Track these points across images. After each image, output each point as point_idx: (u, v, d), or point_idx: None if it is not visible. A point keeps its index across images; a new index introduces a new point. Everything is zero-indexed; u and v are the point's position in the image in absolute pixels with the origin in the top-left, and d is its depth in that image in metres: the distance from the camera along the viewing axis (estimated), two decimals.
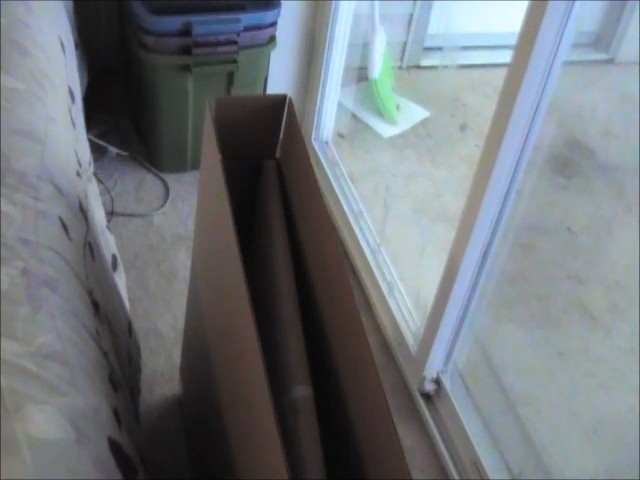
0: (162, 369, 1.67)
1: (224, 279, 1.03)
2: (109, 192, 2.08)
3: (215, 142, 1.04)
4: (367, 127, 2.52)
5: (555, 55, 1.17)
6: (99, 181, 2.04)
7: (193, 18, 1.87)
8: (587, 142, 2.53)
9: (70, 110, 1.31)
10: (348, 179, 2.15)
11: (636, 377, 1.71)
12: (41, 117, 1.10)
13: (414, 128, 2.55)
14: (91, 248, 1.11)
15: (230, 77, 2.02)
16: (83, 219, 1.11)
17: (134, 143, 2.24)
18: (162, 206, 2.09)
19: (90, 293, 0.99)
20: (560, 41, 1.15)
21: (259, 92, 2.14)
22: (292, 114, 1.15)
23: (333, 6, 2.03)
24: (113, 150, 2.18)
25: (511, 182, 1.32)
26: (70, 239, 0.98)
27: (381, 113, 2.54)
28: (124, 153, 2.19)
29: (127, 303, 1.45)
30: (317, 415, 0.91)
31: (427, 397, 1.66)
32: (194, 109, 2.04)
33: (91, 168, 1.60)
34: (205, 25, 1.88)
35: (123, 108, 2.33)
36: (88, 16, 2.10)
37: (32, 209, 0.93)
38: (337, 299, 0.96)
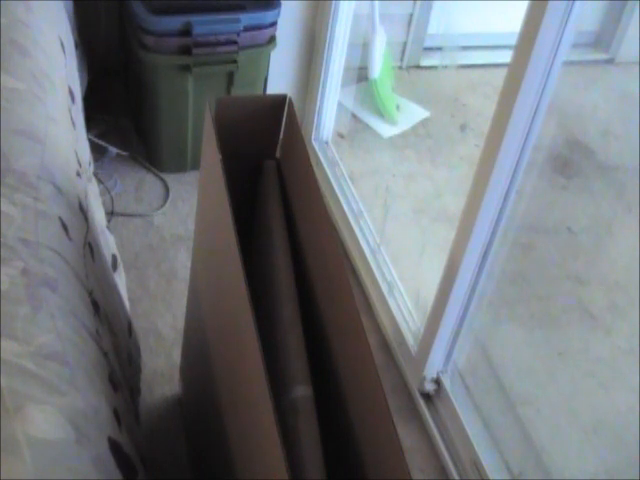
0: (162, 369, 1.67)
1: (224, 279, 1.03)
2: (109, 192, 2.08)
3: (215, 142, 1.04)
4: (367, 127, 2.52)
5: (555, 55, 1.17)
6: (99, 181, 2.04)
7: (193, 18, 1.87)
8: (587, 142, 2.53)
9: (70, 110, 1.31)
10: (348, 179, 2.15)
11: (636, 377, 1.71)
12: (41, 117, 1.10)
13: (414, 128, 2.55)
14: (91, 248, 1.11)
15: (230, 77, 2.02)
16: (83, 219, 1.11)
17: (134, 143, 2.24)
18: (162, 206, 2.09)
19: (90, 293, 0.99)
20: (560, 41, 1.15)
21: (259, 92, 2.14)
22: (292, 114, 1.15)
23: (333, 6, 2.03)
24: (113, 150, 2.18)
25: (511, 182, 1.32)
26: (70, 239, 0.98)
27: (381, 113, 2.54)
28: (124, 153, 2.19)
29: (127, 303, 1.45)
30: (317, 415, 0.91)
31: (427, 397, 1.66)
32: (194, 109, 2.04)
33: (91, 168, 1.60)
34: (205, 25, 1.88)
35: (123, 108, 2.33)
36: (88, 16, 2.10)
37: (32, 209, 0.93)
38: (337, 299, 0.96)
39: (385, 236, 1.99)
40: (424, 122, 2.57)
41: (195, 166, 2.17)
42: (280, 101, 1.16)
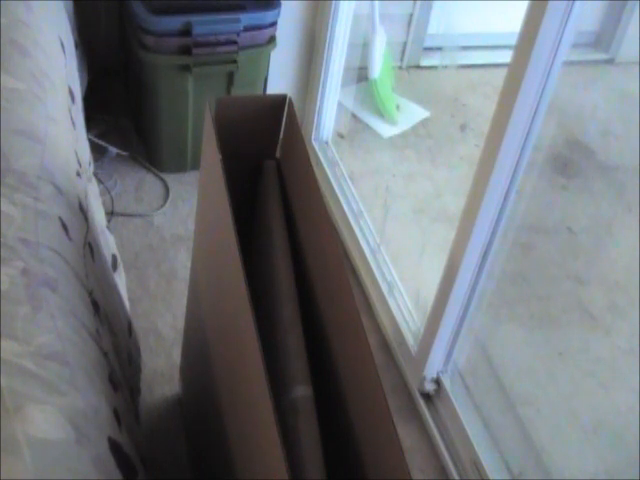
0: (162, 369, 1.67)
1: (224, 279, 1.03)
2: (109, 192, 2.08)
3: (215, 142, 1.04)
4: (367, 127, 2.52)
5: (555, 55, 1.17)
6: (99, 181, 2.04)
7: (193, 18, 1.87)
8: (587, 142, 2.53)
9: (70, 110, 1.31)
10: (348, 179, 2.15)
11: (636, 377, 1.71)
12: (41, 117, 1.10)
13: (414, 128, 2.55)
14: (91, 248, 1.11)
15: (230, 77, 2.02)
16: (83, 219, 1.11)
17: (134, 143, 2.24)
18: (162, 206, 2.09)
19: (90, 293, 0.99)
20: (560, 41, 1.15)
21: (259, 92, 2.14)
22: (292, 114, 1.15)
23: (333, 6, 2.03)
24: (113, 150, 2.18)
25: (511, 182, 1.32)
26: (70, 239, 0.98)
27: (381, 113, 2.54)
28: (124, 153, 2.19)
29: (127, 303, 1.45)
30: (317, 415, 0.91)
31: (427, 397, 1.66)
32: (194, 109, 2.04)
33: (91, 168, 1.60)
34: (205, 25, 1.88)
35: (123, 108, 2.33)
36: (88, 16, 2.10)
37: (32, 209, 0.93)
38: (337, 299, 0.96)
39: (385, 236, 1.99)
40: (424, 122, 2.57)
41: (195, 166, 2.17)
42: (280, 101, 1.16)
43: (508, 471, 1.52)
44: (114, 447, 0.79)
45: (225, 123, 1.14)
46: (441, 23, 2.75)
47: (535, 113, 1.23)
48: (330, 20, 2.05)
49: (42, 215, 0.94)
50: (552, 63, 1.18)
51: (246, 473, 0.94)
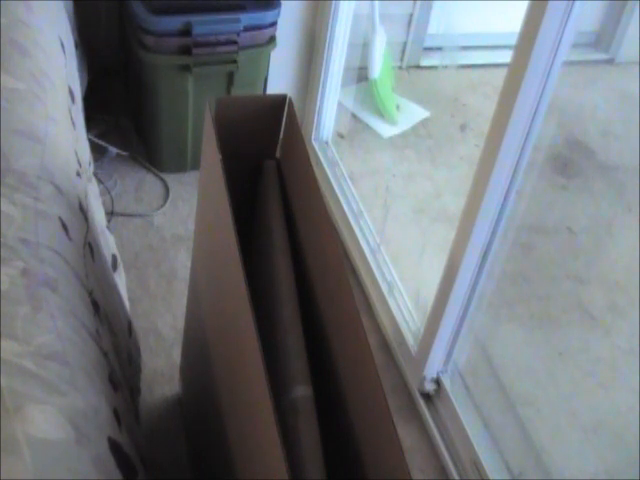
0: (162, 369, 1.67)
1: (224, 279, 1.03)
2: (109, 192, 2.08)
3: (215, 142, 1.04)
4: (367, 127, 2.52)
5: (555, 55, 1.17)
6: (99, 181, 2.04)
7: (193, 18, 1.87)
8: (587, 142, 2.53)
9: (70, 110, 1.31)
10: (348, 179, 2.15)
11: (636, 377, 1.71)
12: (41, 117, 1.10)
13: (414, 128, 2.55)
14: (91, 248, 1.11)
15: (230, 77, 2.02)
16: (83, 219, 1.11)
17: (134, 143, 2.24)
18: (162, 206, 2.09)
19: (90, 293, 0.99)
20: (560, 41, 1.15)
21: (259, 92, 2.14)
22: (292, 114, 1.15)
23: (333, 6, 2.03)
24: (113, 150, 2.18)
25: (511, 182, 1.32)
26: (70, 239, 0.98)
27: (381, 113, 2.54)
28: (124, 153, 2.19)
29: (127, 303, 1.45)
30: (317, 415, 0.91)
31: (427, 397, 1.66)
32: (194, 109, 2.04)
33: (91, 168, 1.60)
34: (205, 25, 1.88)
35: (123, 108, 2.33)
36: (88, 16, 2.10)
37: (32, 209, 0.93)
38: (337, 299, 0.96)
39: (385, 236, 1.99)
40: (424, 122, 2.57)
41: (195, 166, 2.17)
42: (280, 101, 1.16)
43: (508, 471, 1.52)
44: (114, 447, 0.79)
45: (225, 123, 1.14)
46: (441, 23, 2.75)
47: (535, 113, 1.23)
48: (330, 20, 2.05)
49: (42, 215, 0.94)
50: (552, 63, 1.18)
51: (246, 473, 0.94)
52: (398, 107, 2.59)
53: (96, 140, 2.13)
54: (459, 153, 2.47)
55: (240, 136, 1.18)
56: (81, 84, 1.71)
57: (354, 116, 2.54)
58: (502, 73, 1.25)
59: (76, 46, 1.74)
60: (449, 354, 1.61)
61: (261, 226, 1.17)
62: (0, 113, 1.03)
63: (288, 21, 2.08)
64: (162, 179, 2.17)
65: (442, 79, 2.85)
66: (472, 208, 1.37)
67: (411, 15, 2.69)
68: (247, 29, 1.93)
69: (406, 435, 1.62)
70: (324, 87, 2.18)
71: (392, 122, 2.53)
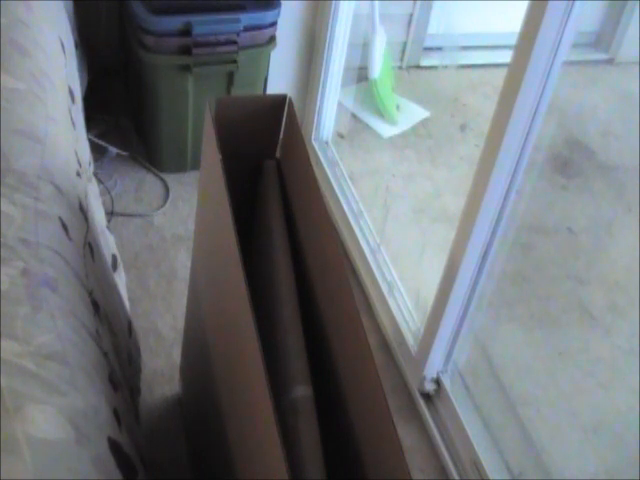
0: (162, 369, 1.67)
1: (224, 279, 1.03)
2: (109, 192, 2.08)
3: (215, 142, 1.04)
4: (367, 127, 2.52)
5: (555, 55, 1.17)
6: (99, 181, 2.04)
7: (193, 18, 1.87)
8: (587, 142, 2.53)
9: (70, 110, 1.31)
10: (348, 179, 2.15)
11: (636, 377, 1.71)
12: (41, 117, 1.10)
13: (414, 128, 2.55)
14: (91, 248, 1.11)
15: (230, 77, 2.02)
16: (83, 219, 1.11)
17: (134, 143, 2.24)
18: (162, 206, 2.09)
19: (90, 293, 0.99)
20: (560, 41, 1.15)
21: (259, 92, 2.14)
22: (292, 114, 1.15)
23: (333, 6, 2.03)
24: (113, 150, 2.18)
25: (511, 182, 1.32)
26: (70, 239, 0.98)
27: (381, 113, 2.54)
28: (124, 153, 2.19)
29: (127, 303, 1.45)
30: (317, 415, 0.91)
31: (427, 397, 1.66)
32: (194, 109, 2.04)
33: (91, 168, 1.60)
34: (205, 25, 1.88)
35: (123, 108, 2.33)
36: (88, 16, 2.10)
37: (32, 209, 0.93)
38: (337, 299, 0.96)
39: (385, 236, 1.99)
40: (424, 122, 2.57)
41: (195, 166, 2.17)
42: (280, 101, 1.16)
43: (508, 471, 1.52)
44: (114, 447, 0.79)
45: (225, 123, 1.14)
46: (441, 23, 2.75)
47: (535, 113, 1.23)
48: (330, 20, 2.05)
49: (42, 215, 0.94)
50: (552, 63, 1.18)
51: (246, 473, 0.94)
52: (398, 107, 2.59)
53: (96, 140, 2.13)
54: (459, 153, 2.47)
55: (240, 136, 1.18)
56: (81, 84, 1.71)
57: (354, 116, 2.54)
58: (502, 73, 1.25)
59: (76, 46, 1.74)
60: (449, 354, 1.61)
61: (261, 226, 1.17)
62: (0, 113, 1.03)
63: (288, 21, 2.08)
64: (162, 179, 2.17)
65: (442, 79, 2.85)
66: (472, 208, 1.37)
67: (411, 15, 2.70)
68: (247, 29, 1.93)
69: (406, 435, 1.62)
70: (324, 87, 2.18)
71: (392, 122, 2.53)
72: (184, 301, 1.54)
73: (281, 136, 1.20)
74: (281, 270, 1.06)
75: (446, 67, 2.86)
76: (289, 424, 0.89)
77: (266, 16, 1.95)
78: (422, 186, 2.33)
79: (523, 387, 1.76)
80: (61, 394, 0.75)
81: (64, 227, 0.98)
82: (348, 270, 1.94)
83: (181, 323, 1.70)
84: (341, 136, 2.41)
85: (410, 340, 1.73)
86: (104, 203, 1.80)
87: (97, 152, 2.10)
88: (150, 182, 2.16)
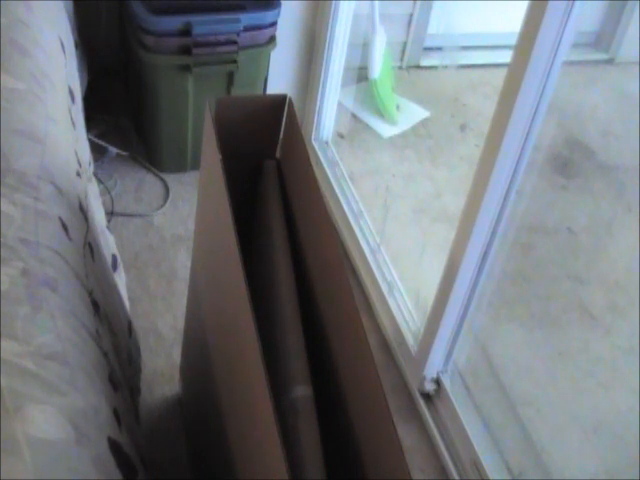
0: (162, 369, 1.67)
1: (224, 279, 1.03)
2: (109, 192, 2.08)
3: (215, 142, 1.04)
4: (367, 127, 2.52)
5: (555, 55, 1.17)
6: (99, 181, 2.04)
7: (193, 18, 1.87)
8: (587, 142, 2.53)
9: (70, 110, 1.31)
10: (348, 179, 2.15)
11: (636, 377, 1.71)
12: (41, 117, 1.10)
13: (414, 128, 2.55)
14: (91, 248, 1.11)
15: (230, 77, 2.02)
16: (83, 219, 1.11)
17: (134, 143, 2.24)
18: (162, 206, 2.09)
19: (90, 293, 0.99)
20: (560, 41, 1.15)
21: (259, 92, 2.14)
22: (292, 114, 1.15)
23: (333, 6, 2.03)
24: (113, 150, 2.18)
25: (511, 182, 1.32)
26: (70, 239, 0.98)
27: (381, 113, 2.54)
28: (124, 153, 2.19)
29: (127, 303, 1.45)
30: (317, 415, 0.91)
31: (427, 397, 1.66)
32: (194, 109, 2.04)
33: (91, 168, 1.60)
34: (205, 25, 1.88)
35: (123, 108, 2.33)
36: (88, 16, 2.10)
37: (32, 209, 0.93)
38: (337, 299, 0.96)
39: (385, 236, 1.99)
40: (424, 122, 2.57)
41: (195, 166, 2.17)
42: (280, 101, 1.16)
43: (508, 471, 1.52)
44: (114, 447, 0.79)
45: (225, 123, 1.14)
46: (441, 23, 2.75)
47: (535, 113, 1.23)
48: (330, 20, 2.05)
49: (42, 215, 0.94)
50: (552, 63, 1.18)
51: (246, 473, 0.94)
52: (398, 107, 2.59)
53: (96, 140, 2.13)
54: (459, 153, 2.47)
55: (240, 136, 1.18)
56: (81, 84, 1.71)
57: (354, 116, 2.54)
58: (502, 73, 1.25)
59: (76, 46, 1.74)
60: (449, 354, 1.61)
61: (261, 226, 1.17)
62: (0, 113, 1.03)
63: (288, 21, 2.08)
64: (162, 179, 2.17)
65: (442, 79, 2.85)
66: (472, 208, 1.37)
67: (411, 15, 2.69)
68: (247, 29, 1.93)
69: (406, 435, 1.62)
70: (324, 87, 2.18)
71: (392, 122, 2.53)
72: (184, 301, 1.54)
73: (281, 136, 1.20)
74: (281, 270, 1.06)
75: (446, 67, 2.86)
76: (289, 424, 0.89)
77: (266, 16, 1.95)
78: (422, 186, 2.33)
79: (523, 387, 1.76)
80: (61, 394, 0.75)
81: (64, 227, 0.98)
82: (348, 270, 1.94)
83: (181, 323, 1.70)
84: (341, 136, 2.41)
85: (410, 340, 1.73)
86: (104, 203, 1.80)
87: (97, 152, 2.10)
88: (150, 182, 2.16)
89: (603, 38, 2.87)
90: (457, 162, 2.43)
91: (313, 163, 1.08)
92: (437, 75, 2.84)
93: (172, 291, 1.85)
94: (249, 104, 1.19)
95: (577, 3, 1.11)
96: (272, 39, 2.01)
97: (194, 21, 1.86)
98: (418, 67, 2.82)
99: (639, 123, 2.34)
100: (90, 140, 1.81)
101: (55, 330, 0.81)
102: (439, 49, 2.84)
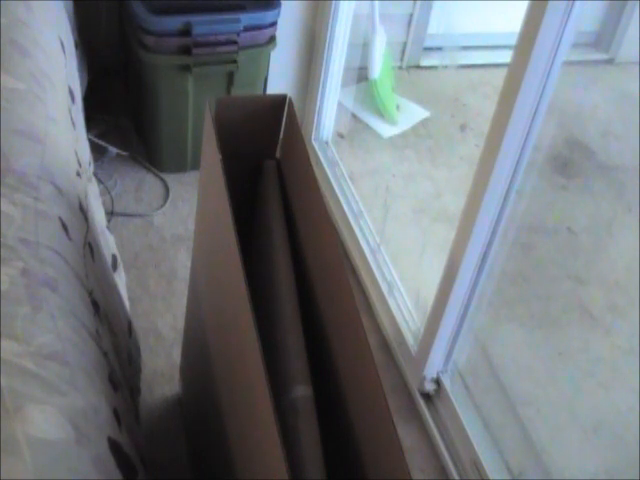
0: (162, 369, 1.67)
1: (224, 279, 1.03)
2: (109, 192, 2.08)
3: (215, 142, 1.04)
4: (367, 127, 2.52)
5: (555, 55, 1.17)
6: (99, 181, 2.04)
7: (193, 18, 1.87)
8: (587, 142, 2.53)
9: (70, 110, 1.31)
10: (348, 179, 2.15)
11: (636, 377, 1.71)
12: (41, 117, 1.10)
13: (414, 128, 2.55)
14: (91, 248, 1.11)
15: (230, 77, 2.02)
16: (83, 219, 1.11)
17: (134, 143, 2.24)
18: (162, 206, 2.09)
19: (90, 293, 0.99)
20: (560, 41, 1.15)
21: (259, 92, 2.14)
22: (292, 114, 1.15)
23: (333, 6, 2.03)
24: (113, 150, 2.18)
25: (511, 182, 1.32)
26: (70, 239, 0.98)
27: (381, 113, 2.54)
28: (124, 153, 2.19)
29: (127, 303, 1.45)
30: (317, 415, 0.91)
31: (427, 397, 1.66)
32: (194, 109, 2.04)
33: (91, 168, 1.60)
34: (205, 25, 1.88)
35: (123, 108, 2.33)
36: (88, 16, 2.10)
37: (32, 209, 0.93)
38: (337, 299, 0.96)
39: (385, 236, 1.99)
40: (424, 122, 2.57)
41: (195, 166, 2.17)
42: (280, 101, 1.16)
43: (508, 471, 1.52)
44: (114, 447, 0.80)
45: (225, 123, 1.14)
46: (441, 23, 2.75)
47: (535, 113, 1.23)
48: (330, 20, 2.05)
49: (42, 215, 0.94)
50: (552, 63, 1.18)
51: (246, 473, 0.94)
52: (398, 107, 2.59)
53: (96, 140, 2.13)
54: (459, 153, 2.47)
55: (240, 136, 1.18)
56: (81, 84, 1.71)
57: (354, 116, 2.54)
58: (502, 73, 1.25)
59: (76, 46, 1.74)
60: (449, 354, 1.61)
61: (261, 226, 1.17)
62: (0, 113, 1.03)
63: (288, 21, 2.08)
64: (162, 179, 2.17)
65: (442, 79, 2.85)
66: (472, 208, 1.37)
67: (411, 15, 2.69)
68: (247, 29, 1.93)
69: (406, 435, 1.62)
70: (324, 87, 2.18)
71: (392, 122, 2.53)
72: (184, 301, 1.54)
73: (281, 136, 1.20)
74: (281, 270, 1.06)
75: (446, 67, 2.86)
76: (289, 424, 0.89)
77: (266, 16, 1.95)
78: (422, 186, 2.33)
79: (523, 387, 1.76)
80: (61, 394, 0.75)
81: (64, 227, 0.98)
82: (348, 270, 1.94)
83: (181, 323, 1.70)
84: (341, 136, 2.41)
85: (410, 340, 1.73)
86: (104, 203, 1.80)
87: (97, 152, 2.10)
88: (150, 182, 2.16)
89: (603, 38, 2.87)
90: (457, 162, 2.43)
91: (313, 163, 1.08)
92: (437, 75, 2.84)
93: (172, 291, 1.85)
94: (249, 104, 1.19)
95: (577, 3, 1.11)
96: (272, 39, 2.01)
97: (194, 21, 1.86)
98: (418, 67, 2.82)
99: (639, 123, 2.34)
100: (90, 140, 1.81)
101: (55, 330, 0.81)
102: (439, 49, 2.84)
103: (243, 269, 0.88)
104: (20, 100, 1.08)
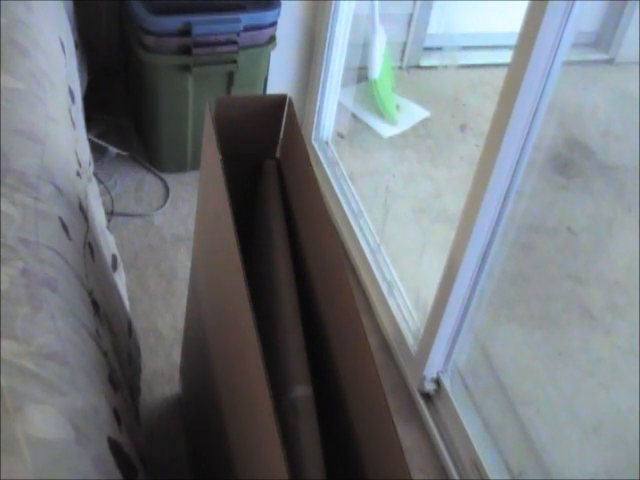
0: (162, 369, 1.67)
1: (224, 279, 1.03)
2: (109, 192, 2.08)
3: (215, 142, 1.04)
4: (367, 127, 2.52)
5: (555, 55, 1.17)
6: (99, 181, 2.04)
7: (193, 18, 1.87)
8: (587, 142, 2.53)
9: (70, 110, 1.31)
10: (348, 179, 2.15)
11: (636, 377, 1.71)
12: (41, 117, 1.10)
13: (414, 128, 2.55)
14: (91, 248, 1.11)
15: (230, 77, 2.02)
16: (83, 219, 1.11)
17: (134, 143, 2.24)
18: (162, 206, 2.09)
19: (90, 293, 0.99)
20: (560, 41, 1.15)
21: (259, 92, 2.14)
22: (292, 114, 1.15)
23: (333, 6, 2.03)
24: (113, 150, 2.18)
25: (511, 182, 1.32)
26: (70, 239, 0.98)
27: (381, 113, 2.54)
28: (124, 153, 2.19)
29: (127, 303, 1.45)
30: (317, 415, 0.91)
31: (427, 397, 1.66)
32: (194, 109, 2.04)
33: (91, 168, 1.60)
34: (205, 25, 1.88)
35: (123, 108, 2.33)
36: (88, 16, 2.10)
37: (32, 209, 0.93)
38: (337, 299, 0.96)
39: (385, 236, 1.99)
40: (424, 122, 2.57)
41: (195, 166, 2.17)
42: (280, 101, 1.16)
43: (508, 471, 1.52)
44: (114, 447, 0.80)
45: (225, 123, 1.14)
46: (441, 23, 2.75)
47: (535, 113, 1.23)
48: (330, 20, 2.05)
49: (42, 215, 0.94)
50: (552, 63, 1.18)
51: (246, 473, 0.94)
52: (398, 107, 2.58)
53: (96, 140, 2.13)
54: (459, 153, 2.47)
55: (240, 136, 1.18)
56: (81, 84, 1.71)
57: (354, 116, 2.54)
58: (502, 73, 1.25)
59: (76, 46, 1.74)
60: (449, 354, 1.61)
61: (261, 226, 1.17)
62: (0, 113, 1.03)
63: (288, 21, 2.08)
64: (162, 179, 2.17)
65: (442, 79, 2.85)
66: (472, 208, 1.37)
67: (411, 15, 2.69)
68: (247, 29, 1.93)
69: (406, 435, 1.62)
70: (324, 87, 2.18)
71: (392, 122, 2.53)
72: (184, 301, 1.54)
73: (281, 136, 1.20)
74: (281, 270, 1.06)
75: (446, 67, 2.86)
76: (289, 424, 0.89)
77: (266, 16, 1.95)
78: (422, 186, 2.33)
79: (523, 387, 1.76)
80: (61, 394, 0.75)
81: (64, 227, 0.98)
82: (348, 270, 1.94)
83: (181, 323, 1.70)
84: (341, 136, 2.41)
85: (410, 340, 1.73)
86: (104, 203, 1.80)
87: (97, 152, 2.10)
88: (150, 182, 2.16)
89: (603, 38, 2.87)
90: (457, 162, 2.43)
91: (313, 163, 1.08)
92: (437, 75, 2.84)
93: (172, 291, 1.85)
94: (249, 104, 1.19)
95: (577, 3, 1.11)
96: (272, 39, 2.01)
97: (194, 21, 1.86)
98: (418, 67, 2.82)
99: (639, 123, 2.34)
100: (90, 140, 1.81)
101: (55, 330, 0.81)
102: (439, 49, 2.84)
103: (243, 269, 0.88)
104: (20, 100, 1.08)
